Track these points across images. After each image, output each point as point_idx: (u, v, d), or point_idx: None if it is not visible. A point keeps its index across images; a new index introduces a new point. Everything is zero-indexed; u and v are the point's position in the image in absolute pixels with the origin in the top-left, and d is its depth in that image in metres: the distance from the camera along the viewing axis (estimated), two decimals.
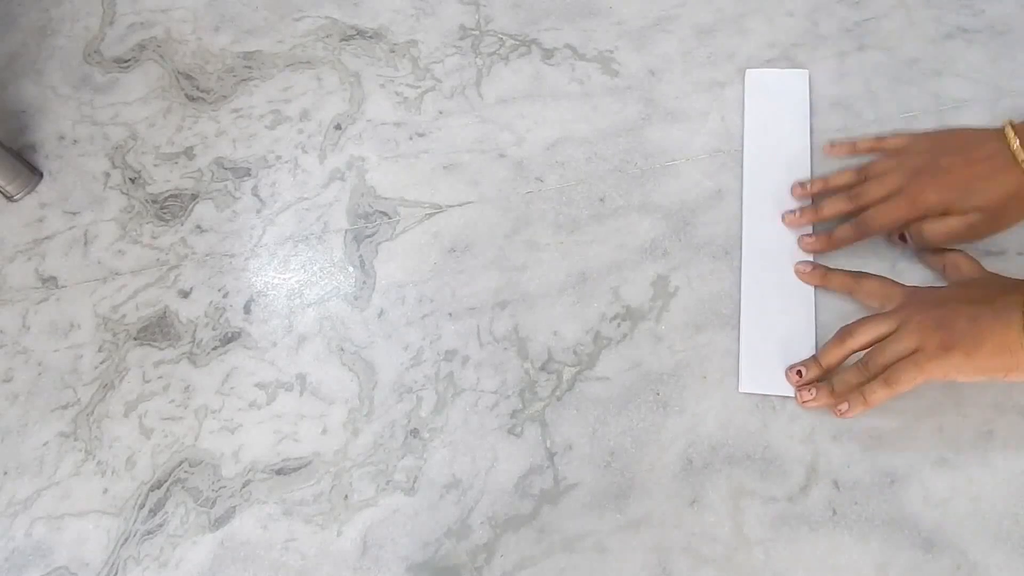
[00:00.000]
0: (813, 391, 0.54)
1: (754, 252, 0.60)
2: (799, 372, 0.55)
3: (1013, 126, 0.52)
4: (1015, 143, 0.52)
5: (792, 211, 0.61)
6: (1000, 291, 0.49)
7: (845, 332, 0.54)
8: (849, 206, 0.58)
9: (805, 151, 0.63)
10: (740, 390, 0.56)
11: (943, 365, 0.48)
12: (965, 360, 0.48)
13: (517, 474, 0.57)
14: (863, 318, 0.53)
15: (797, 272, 0.59)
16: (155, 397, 0.63)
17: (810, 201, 0.61)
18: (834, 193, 0.59)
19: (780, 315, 0.58)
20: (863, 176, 0.58)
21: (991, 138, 0.53)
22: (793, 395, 0.55)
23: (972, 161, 0.53)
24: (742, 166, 0.64)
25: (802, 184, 0.62)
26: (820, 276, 0.58)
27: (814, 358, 0.55)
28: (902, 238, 0.58)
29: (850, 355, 0.54)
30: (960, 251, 0.56)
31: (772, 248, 0.60)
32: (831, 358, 0.54)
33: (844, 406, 0.52)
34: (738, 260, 0.61)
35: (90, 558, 0.58)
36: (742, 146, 0.65)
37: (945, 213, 0.54)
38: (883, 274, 0.57)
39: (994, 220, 0.53)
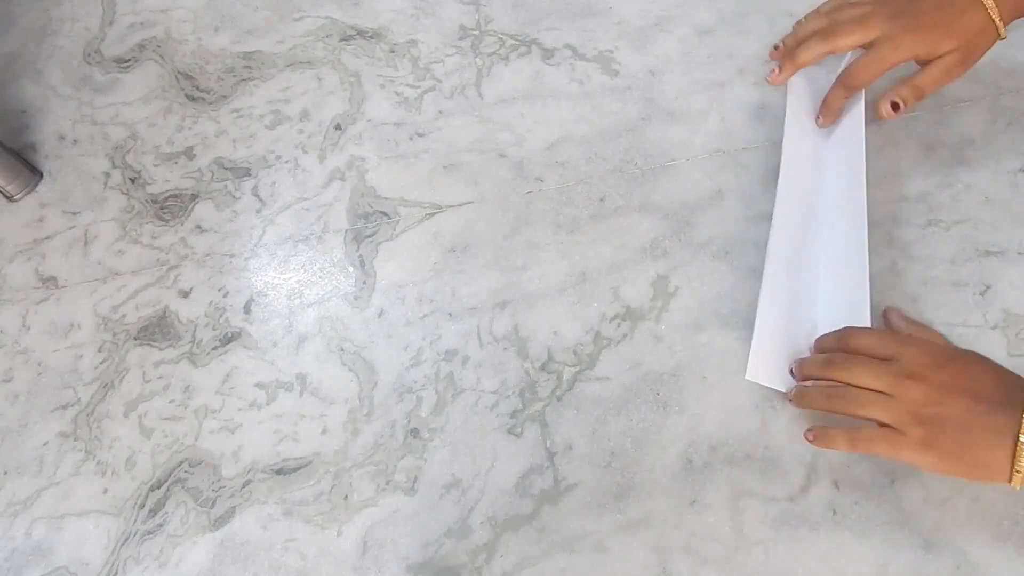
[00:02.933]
0: (791, 394, 0.54)
1: (780, 258, 0.58)
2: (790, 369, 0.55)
3: None
4: None
5: (773, 70, 0.64)
6: (1005, 398, 0.45)
7: (837, 361, 0.51)
8: (825, 47, 0.60)
9: (860, 154, 0.60)
10: (746, 377, 0.55)
11: (916, 458, 0.46)
12: (939, 463, 0.46)
13: (517, 474, 0.57)
14: (862, 360, 0.50)
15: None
16: (155, 397, 0.63)
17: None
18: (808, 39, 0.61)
19: (798, 317, 0.56)
20: (835, 18, 0.60)
21: None
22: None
23: (942, 4, 0.56)
24: (778, 165, 0.61)
25: (777, 47, 0.64)
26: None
27: (799, 363, 0.54)
28: (895, 107, 0.59)
29: (826, 380, 0.52)
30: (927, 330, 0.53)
31: (798, 254, 0.59)
32: (808, 372, 0.53)
33: (810, 435, 0.52)
34: (738, 260, 0.61)
35: (90, 558, 0.58)
36: (780, 144, 0.63)
37: (926, 58, 0.57)
38: (886, 273, 0.57)
39: (967, 57, 0.57)
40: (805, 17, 0.64)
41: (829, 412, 0.51)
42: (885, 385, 0.48)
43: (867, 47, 0.59)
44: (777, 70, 0.63)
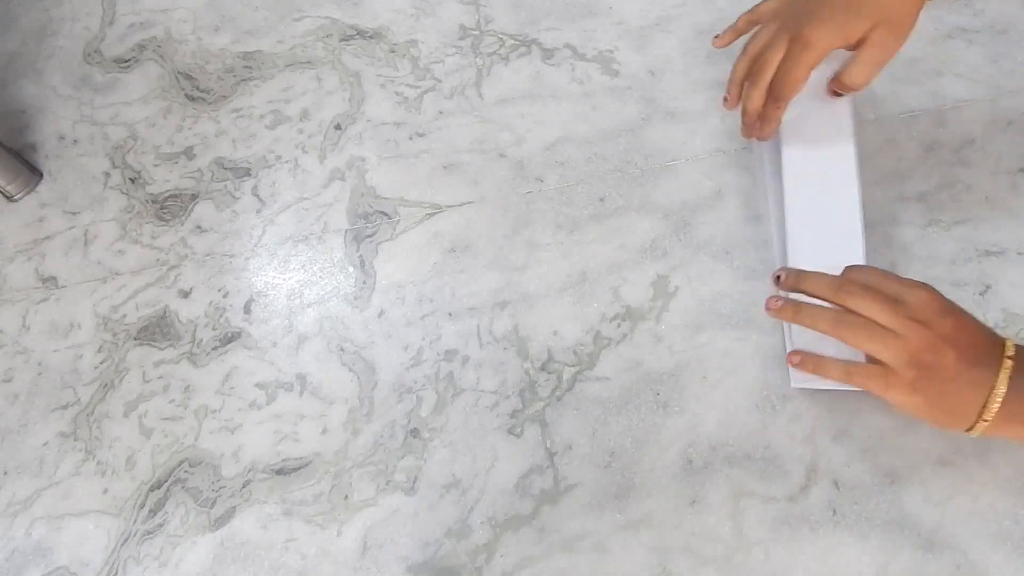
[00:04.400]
0: (780, 301, 0.52)
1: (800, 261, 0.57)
2: (778, 277, 0.53)
3: None
4: None
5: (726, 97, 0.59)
6: (985, 354, 0.46)
7: (851, 289, 0.49)
8: (751, 76, 0.56)
9: (850, 157, 0.59)
10: (792, 386, 0.55)
11: (902, 399, 0.47)
12: (921, 407, 0.47)
13: (517, 474, 0.57)
14: (876, 294, 0.48)
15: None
16: (155, 397, 0.63)
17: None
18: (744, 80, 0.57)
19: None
20: (751, 49, 0.56)
21: None
22: (839, 388, 0.54)
23: None
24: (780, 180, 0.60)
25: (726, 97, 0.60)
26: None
27: (798, 273, 0.52)
28: (836, 93, 0.57)
29: (818, 301, 0.50)
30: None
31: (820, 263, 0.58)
32: (812, 289, 0.51)
33: (796, 359, 0.51)
34: (738, 260, 0.61)
35: (90, 558, 0.58)
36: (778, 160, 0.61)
37: (850, 45, 0.53)
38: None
39: (897, 29, 0.52)
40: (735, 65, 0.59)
41: (823, 334, 0.49)
42: (894, 324, 0.47)
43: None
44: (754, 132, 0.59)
